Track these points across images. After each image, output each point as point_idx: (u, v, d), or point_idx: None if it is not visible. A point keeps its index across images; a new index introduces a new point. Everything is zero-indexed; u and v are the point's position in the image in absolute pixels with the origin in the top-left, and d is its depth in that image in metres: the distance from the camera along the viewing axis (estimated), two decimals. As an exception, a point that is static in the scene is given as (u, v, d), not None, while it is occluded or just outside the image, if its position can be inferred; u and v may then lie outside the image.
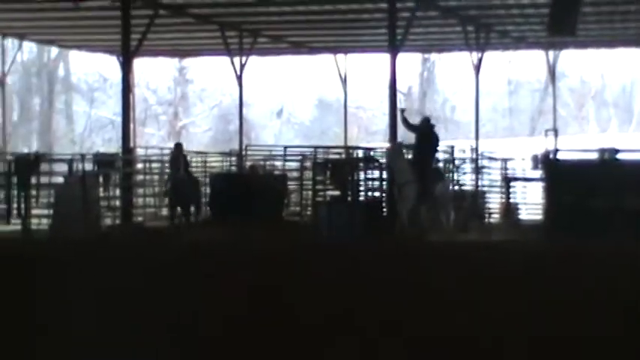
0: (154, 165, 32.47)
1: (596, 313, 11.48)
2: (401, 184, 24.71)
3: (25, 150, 39.65)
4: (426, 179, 24.83)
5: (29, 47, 50.78)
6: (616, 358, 9.24)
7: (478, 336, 10.70)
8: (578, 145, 33.98)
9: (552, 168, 25.36)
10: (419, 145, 25.33)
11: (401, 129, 26.91)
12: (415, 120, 26.58)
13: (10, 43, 37.91)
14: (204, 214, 29.61)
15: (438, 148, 26.31)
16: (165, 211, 31.50)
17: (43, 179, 29.13)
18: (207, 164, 35.18)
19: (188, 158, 32.48)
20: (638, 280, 14.46)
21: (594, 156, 26.37)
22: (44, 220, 26.70)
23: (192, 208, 28.81)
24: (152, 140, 45.46)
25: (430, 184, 25.10)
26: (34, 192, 28.42)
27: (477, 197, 30.98)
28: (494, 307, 12.69)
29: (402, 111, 26.15)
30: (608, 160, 25.43)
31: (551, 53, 36.85)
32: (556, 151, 28.80)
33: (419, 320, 11.90)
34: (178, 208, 28.58)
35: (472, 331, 11.03)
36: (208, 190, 31.14)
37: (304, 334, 11.09)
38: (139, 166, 31.54)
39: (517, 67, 53.81)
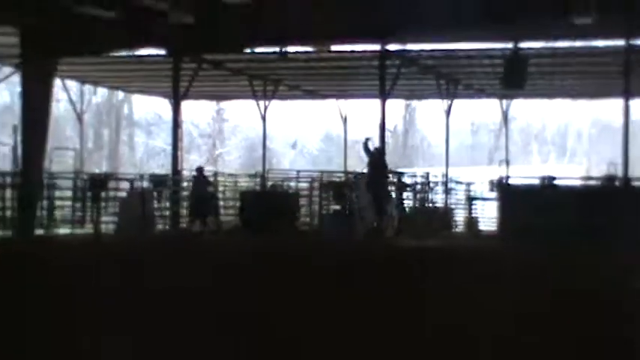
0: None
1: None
2: (361, 207, 25.02)
3: (97, 171, 39.59)
4: (380, 198, 25.09)
5: (102, 92, 50.84)
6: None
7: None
8: (524, 173, 33.91)
9: (504, 190, 25.30)
10: (371, 169, 25.36)
11: (388, 155, 27.10)
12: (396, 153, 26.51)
13: (87, 88, 37.91)
14: (221, 224, 29.27)
15: (387, 173, 26.75)
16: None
17: (110, 194, 29.12)
18: (238, 184, 35.20)
19: (216, 178, 32.86)
20: (564, 279, 14.39)
21: (537, 182, 26.35)
22: (110, 226, 26.72)
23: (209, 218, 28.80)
24: (195, 165, 45.30)
25: (384, 201, 25.29)
26: (103, 203, 28.41)
27: (447, 212, 30.98)
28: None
29: (367, 139, 26.15)
30: (547, 185, 25.42)
31: (504, 102, 36.80)
32: (507, 177, 28.77)
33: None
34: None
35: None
36: (238, 204, 31.16)
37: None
38: (184, 184, 31.52)
39: (478, 113, 53.74)
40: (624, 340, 9.82)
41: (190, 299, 12.11)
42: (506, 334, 10.04)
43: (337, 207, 29.02)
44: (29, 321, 10.03)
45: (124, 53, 30.08)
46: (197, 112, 53.75)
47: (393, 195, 27.97)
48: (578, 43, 27.27)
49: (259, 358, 8.76)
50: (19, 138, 26.24)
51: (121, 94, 54.00)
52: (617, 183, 25.01)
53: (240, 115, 56.19)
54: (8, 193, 25.84)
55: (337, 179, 32.41)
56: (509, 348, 9.45)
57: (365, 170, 25.94)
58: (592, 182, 28.94)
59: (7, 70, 32.44)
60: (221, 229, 28.72)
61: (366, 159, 26.08)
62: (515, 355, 8.93)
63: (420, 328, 10.08)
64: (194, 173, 29.55)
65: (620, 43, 24.58)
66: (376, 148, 25.92)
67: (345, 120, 39.70)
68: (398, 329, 10.06)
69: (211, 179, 33.77)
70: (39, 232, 25.76)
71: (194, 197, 28.43)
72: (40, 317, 10.35)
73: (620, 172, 25.37)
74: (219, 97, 43.05)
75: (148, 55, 30.15)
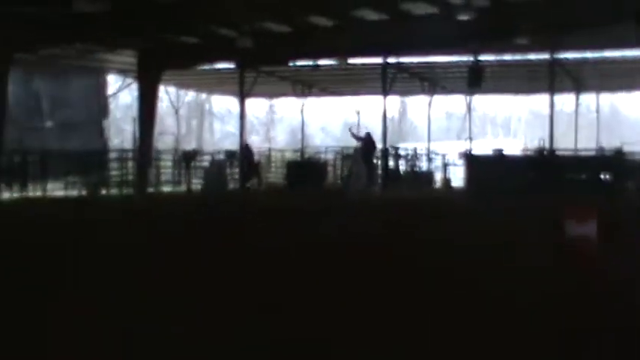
0: (256, 157, 32.75)
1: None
2: (356, 170, 24.37)
3: (188, 148, 39.87)
4: (370, 168, 24.98)
5: (191, 94, 50.99)
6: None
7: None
8: (482, 146, 33.85)
9: (469, 158, 25.38)
10: (365, 148, 24.84)
11: (388, 135, 27.09)
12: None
13: (181, 92, 38.06)
14: (262, 182, 28.87)
15: (375, 150, 25.69)
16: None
17: (198, 164, 29.38)
18: (284, 156, 35.39)
19: (269, 153, 32.63)
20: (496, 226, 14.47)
21: (490, 152, 26.35)
22: (198, 186, 27.04)
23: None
24: (255, 143, 45.54)
25: (371, 170, 25.22)
26: (193, 170, 28.64)
27: (429, 174, 31.03)
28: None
29: (350, 129, 26.79)
30: (497, 155, 25.45)
31: (468, 97, 36.75)
32: (470, 149, 28.76)
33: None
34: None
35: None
36: (285, 171, 31.34)
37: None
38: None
39: (450, 105, 53.50)
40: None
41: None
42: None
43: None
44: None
45: (206, 67, 30.30)
46: (256, 106, 53.81)
47: (390, 163, 28.03)
48: (517, 57, 27.30)
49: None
50: (136, 127, 26.53)
51: (204, 95, 54.17)
52: (545, 153, 25.02)
53: (286, 109, 56.29)
54: (129, 163, 26.17)
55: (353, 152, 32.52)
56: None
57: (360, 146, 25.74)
58: (528, 152, 28.82)
59: (128, 80, 32.75)
60: (262, 186, 28.42)
61: (355, 142, 25.70)
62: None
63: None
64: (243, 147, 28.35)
65: (546, 56, 24.63)
66: (367, 133, 25.55)
67: (357, 112, 39.76)
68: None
69: (265, 154, 34.05)
70: (150, 189, 26.11)
71: (244, 164, 27.66)
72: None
73: (547, 145, 25.42)
74: (271, 95, 43.10)
75: (223, 68, 30.32)
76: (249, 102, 33.41)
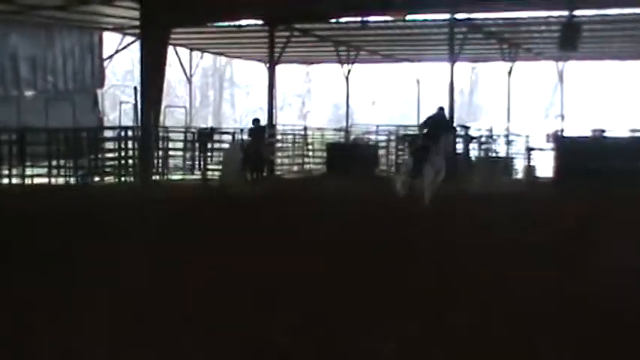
0: (289, 136, 32.76)
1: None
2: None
3: (204, 125, 40.01)
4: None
5: (208, 57, 51.20)
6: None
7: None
8: (577, 127, 33.31)
9: (559, 142, 24.99)
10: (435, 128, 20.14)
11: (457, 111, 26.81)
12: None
13: (195, 54, 38.24)
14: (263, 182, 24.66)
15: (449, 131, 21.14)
16: (295, 168, 31.73)
17: (215, 145, 29.42)
18: (324, 136, 35.35)
19: (305, 132, 32.45)
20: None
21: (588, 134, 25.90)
22: (216, 172, 27.03)
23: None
24: (287, 120, 45.57)
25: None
26: (209, 153, 28.71)
27: (507, 161, 30.71)
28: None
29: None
30: (597, 137, 25.00)
31: (560, 64, 36.10)
32: (562, 130, 28.36)
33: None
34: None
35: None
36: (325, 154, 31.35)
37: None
38: (278, 137, 31.78)
39: (538, 74, 52.77)
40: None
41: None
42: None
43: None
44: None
45: (225, 23, 30.29)
46: (289, 74, 53.75)
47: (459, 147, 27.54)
48: (627, 10, 26.70)
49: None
50: (138, 98, 26.62)
51: (223, 60, 54.32)
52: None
53: (327, 77, 56.15)
54: (130, 144, 26.26)
55: (411, 133, 32.36)
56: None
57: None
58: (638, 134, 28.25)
59: (128, 39, 32.88)
60: (263, 179, 24.98)
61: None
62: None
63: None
64: (250, 125, 25.49)
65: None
66: (440, 108, 20.87)
67: (418, 82, 39.52)
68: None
69: (302, 132, 33.95)
70: (155, 177, 26.17)
71: (248, 149, 23.91)
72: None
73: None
74: (307, 61, 43.07)
75: (247, 25, 30.28)
76: (281, 69, 33.37)
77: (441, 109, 19.87)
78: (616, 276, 8.85)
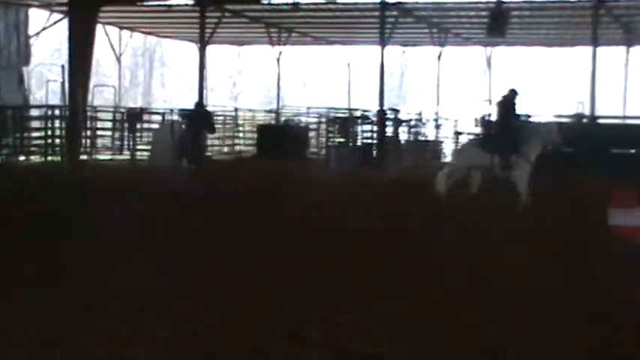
0: (219, 118, 32.54)
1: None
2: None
3: (133, 105, 39.51)
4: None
5: (138, 37, 50.45)
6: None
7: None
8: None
9: (487, 126, 25.14)
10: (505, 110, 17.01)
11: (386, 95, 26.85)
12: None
13: (125, 34, 37.68)
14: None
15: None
16: (226, 149, 31.52)
17: (145, 125, 29.12)
18: (255, 118, 35.21)
19: (236, 113, 32.07)
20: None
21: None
22: (145, 153, 26.74)
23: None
24: (218, 101, 45.24)
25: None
26: (138, 134, 28.40)
27: (437, 145, 30.91)
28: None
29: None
30: (523, 122, 25.18)
31: (488, 49, 36.43)
32: (489, 115, 28.58)
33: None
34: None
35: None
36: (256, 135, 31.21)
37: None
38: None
39: (466, 59, 53.26)
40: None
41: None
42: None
43: (341, 139, 29.04)
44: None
45: (155, 2, 29.90)
46: (220, 55, 53.32)
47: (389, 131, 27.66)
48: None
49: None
50: (66, 76, 26.18)
51: (154, 39, 53.61)
52: (584, 120, 24.89)
53: (258, 59, 55.82)
54: (57, 123, 25.83)
55: (342, 115, 32.39)
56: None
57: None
58: (563, 120, 28.65)
59: (56, 16, 32.21)
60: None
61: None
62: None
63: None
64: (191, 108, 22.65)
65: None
66: (511, 90, 17.20)
67: (348, 65, 39.54)
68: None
69: (232, 114, 33.75)
70: (83, 157, 25.80)
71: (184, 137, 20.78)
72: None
73: (587, 111, 25.30)
74: (239, 42, 42.76)
75: (177, 5, 29.92)
76: (212, 49, 33.05)
77: (513, 91, 16.81)
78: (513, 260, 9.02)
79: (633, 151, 23.25)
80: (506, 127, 15.63)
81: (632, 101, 32.82)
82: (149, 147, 27.11)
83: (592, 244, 10.34)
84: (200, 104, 22.62)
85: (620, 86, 32.92)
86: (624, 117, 29.44)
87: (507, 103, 16.41)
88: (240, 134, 33.35)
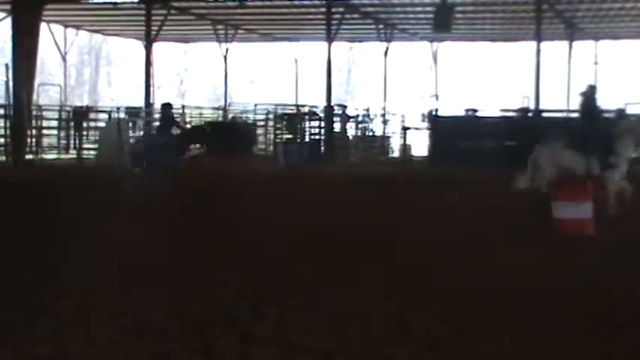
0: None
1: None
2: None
3: (79, 104, 39.07)
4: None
5: (83, 35, 49.92)
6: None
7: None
8: (451, 107, 33.95)
9: (434, 121, 25.37)
10: (589, 107, 16.10)
11: (334, 91, 26.88)
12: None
13: (70, 32, 37.23)
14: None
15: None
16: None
17: (91, 124, 28.84)
18: (202, 115, 35.07)
19: (183, 110, 31.79)
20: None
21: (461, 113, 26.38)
22: (91, 152, 26.47)
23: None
24: (165, 99, 44.95)
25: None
26: (84, 132, 28.13)
27: (385, 140, 31.04)
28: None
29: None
30: (470, 117, 25.46)
31: (434, 45, 36.67)
32: (436, 110, 28.79)
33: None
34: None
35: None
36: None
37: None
38: (156, 115, 31.31)
39: (413, 54, 53.52)
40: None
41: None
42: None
43: (289, 136, 29.00)
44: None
45: (101, 0, 29.65)
46: (167, 52, 52.99)
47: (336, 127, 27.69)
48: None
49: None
50: (10, 75, 25.81)
51: (100, 37, 53.08)
52: (529, 114, 25.18)
53: (205, 56, 55.57)
54: (1, 123, 25.46)
55: (289, 111, 32.37)
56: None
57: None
58: (509, 114, 28.98)
59: (-2, 14, 31.71)
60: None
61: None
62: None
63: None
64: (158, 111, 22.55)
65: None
66: (590, 86, 16.50)
67: (296, 61, 39.51)
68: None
69: (180, 111, 33.53)
70: (28, 157, 25.47)
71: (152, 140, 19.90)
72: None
73: (532, 105, 25.58)
74: (186, 39, 42.54)
75: (123, 2, 29.66)
76: (158, 47, 32.83)
77: (592, 87, 15.74)
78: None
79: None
80: (593, 126, 14.60)
81: (575, 95, 33.24)
82: (96, 145, 26.86)
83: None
84: (167, 105, 20.90)
85: (564, 80, 33.35)
86: (568, 111, 29.82)
87: (588, 100, 15.43)
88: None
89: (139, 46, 37.85)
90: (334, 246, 9.81)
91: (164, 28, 28.99)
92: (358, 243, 9.98)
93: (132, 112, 30.59)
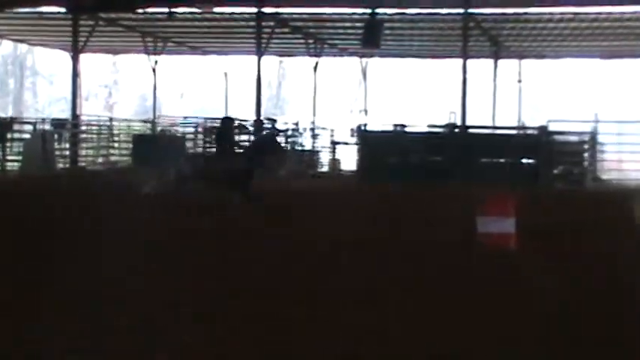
0: (94, 128, 31.97)
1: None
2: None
3: (3, 115, 38.40)
4: None
5: (7, 44, 49.13)
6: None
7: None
8: (380, 121, 34.19)
9: (363, 136, 25.54)
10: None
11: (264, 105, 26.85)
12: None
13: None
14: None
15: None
16: (100, 159, 30.90)
17: (15, 135, 28.38)
18: (131, 127, 34.77)
19: (111, 123, 31.46)
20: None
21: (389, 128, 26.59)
22: (15, 164, 26.07)
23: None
24: (93, 110, 44.39)
25: None
26: (9, 144, 27.67)
27: (314, 155, 31.11)
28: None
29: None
30: (398, 132, 25.70)
31: (364, 60, 36.93)
32: (365, 125, 29.01)
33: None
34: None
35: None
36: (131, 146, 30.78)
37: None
38: (83, 127, 30.96)
39: (342, 69, 53.87)
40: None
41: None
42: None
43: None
44: None
45: (26, 9, 29.21)
46: (94, 64, 52.40)
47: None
48: (425, 10, 27.63)
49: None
50: None
51: (25, 47, 52.30)
52: (456, 130, 25.51)
53: (134, 68, 55.13)
54: None
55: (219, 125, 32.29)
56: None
57: None
58: (436, 129, 29.33)
59: None
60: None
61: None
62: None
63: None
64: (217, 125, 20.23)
65: (459, 10, 25.19)
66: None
67: (225, 75, 39.40)
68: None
69: (107, 124, 33.16)
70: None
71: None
72: None
73: (459, 121, 25.93)
74: (114, 51, 42.12)
75: (49, 12, 29.31)
76: (86, 58, 32.42)
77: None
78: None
79: (502, 160, 23.97)
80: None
81: (500, 112, 33.81)
82: (20, 157, 26.44)
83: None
84: (229, 119, 18.15)
85: (490, 97, 33.88)
86: (494, 127, 30.32)
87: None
88: (116, 144, 32.80)
89: (65, 56, 37.42)
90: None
91: (92, 39, 28.72)
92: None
93: (57, 123, 30.16)
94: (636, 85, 51.31)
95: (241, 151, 16.81)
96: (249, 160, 15.72)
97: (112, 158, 31.82)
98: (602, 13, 26.38)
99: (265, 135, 19.63)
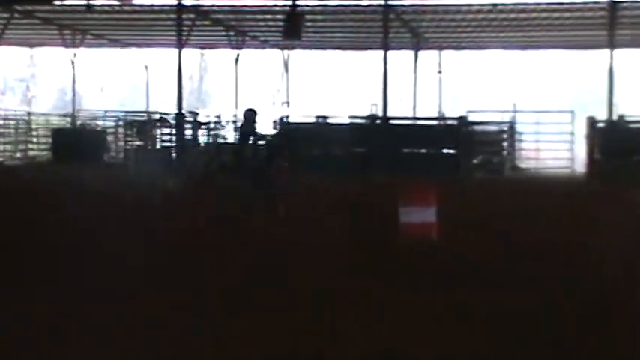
0: (11, 122, 31.38)
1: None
2: None
3: None
4: None
5: None
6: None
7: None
8: (303, 113, 34.21)
9: (285, 128, 25.54)
10: None
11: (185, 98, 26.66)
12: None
13: None
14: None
15: None
16: (18, 154, 30.31)
17: None
18: (50, 122, 34.20)
19: (30, 117, 30.96)
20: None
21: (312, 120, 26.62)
22: None
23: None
24: (10, 105, 43.50)
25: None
26: None
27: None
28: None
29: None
30: (320, 123, 25.74)
31: (285, 52, 36.90)
32: (287, 117, 29.00)
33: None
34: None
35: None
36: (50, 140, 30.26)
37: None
38: (1, 122, 30.38)
39: (264, 61, 53.73)
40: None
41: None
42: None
43: (140, 143, 28.62)
44: None
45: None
46: (11, 57, 51.36)
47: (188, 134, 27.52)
48: (347, 2, 27.70)
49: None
50: None
51: None
52: (377, 121, 25.68)
53: (52, 62, 54.13)
54: None
55: (140, 119, 31.91)
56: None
57: None
58: (358, 120, 29.47)
59: None
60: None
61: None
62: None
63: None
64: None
65: (380, 2, 25.35)
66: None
67: (146, 67, 38.93)
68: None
69: (25, 118, 32.56)
70: None
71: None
72: None
73: (380, 112, 26.09)
74: (31, 44, 41.25)
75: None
76: (1, 51, 31.73)
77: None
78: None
79: (424, 150, 24.23)
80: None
81: (421, 103, 34.13)
82: None
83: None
84: (251, 111, 17.32)
85: (411, 88, 34.16)
86: (415, 118, 30.61)
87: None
88: (34, 139, 32.21)
89: (-20, 50, 36.53)
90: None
91: (7, 32, 28.13)
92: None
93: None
94: (553, 76, 52.38)
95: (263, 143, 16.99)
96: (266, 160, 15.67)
97: (31, 153, 31.26)
98: (519, 4, 26.80)
99: (274, 136, 19.21)
